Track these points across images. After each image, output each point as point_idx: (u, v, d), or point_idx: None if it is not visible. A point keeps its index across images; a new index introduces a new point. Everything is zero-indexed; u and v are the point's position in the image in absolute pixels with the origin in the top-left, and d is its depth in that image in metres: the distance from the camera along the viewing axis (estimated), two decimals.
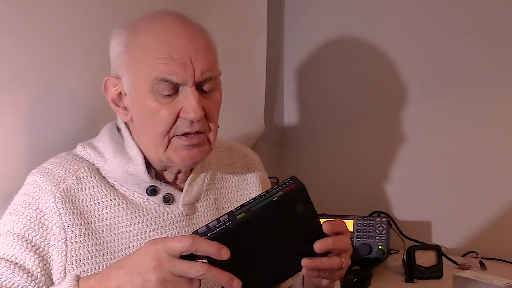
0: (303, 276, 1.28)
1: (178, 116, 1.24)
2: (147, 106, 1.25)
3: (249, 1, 2.27)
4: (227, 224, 1.00)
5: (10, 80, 1.40)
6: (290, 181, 1.05)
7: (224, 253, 1.00)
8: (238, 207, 1.03)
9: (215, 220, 1.02)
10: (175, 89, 1.23)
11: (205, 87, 1.26)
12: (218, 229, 1.00)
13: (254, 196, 1.06)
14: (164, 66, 1.21)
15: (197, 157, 1.28)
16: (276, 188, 1.04)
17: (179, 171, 1.35)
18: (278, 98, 2.64)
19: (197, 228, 1.04)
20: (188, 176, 1.37)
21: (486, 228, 2.22)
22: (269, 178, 1.61)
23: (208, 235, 1.00)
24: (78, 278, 1.10)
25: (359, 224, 2.12)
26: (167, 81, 1.21)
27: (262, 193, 1.04)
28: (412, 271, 1.98)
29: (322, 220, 1.11)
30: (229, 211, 1.03)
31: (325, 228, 1.09)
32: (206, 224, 1.02)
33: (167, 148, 1.27)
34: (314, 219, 1.10)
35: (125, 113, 1.31)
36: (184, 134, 1.26)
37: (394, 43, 2.37)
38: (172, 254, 1.00)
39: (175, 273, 1.00)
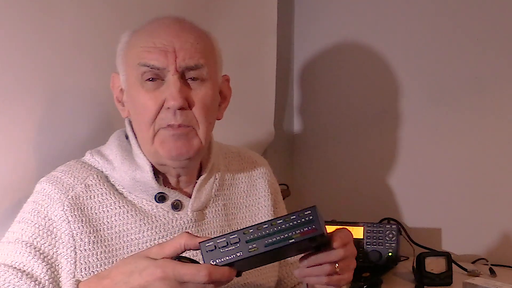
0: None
1: (162, 106, 1.25)
2: (135, 96, 1.28)
3: (259, 7, 2.27)
4: (237, 254, 1.00)
5: (19, 87, 1.40)
6: (311, 218, 1.00)
7: (233, 275, 1.02)
8: (251, 229, 1.01)
9: (224, 238, 1.00)
10: (159, 77, 1.25)
11: (190, 77, 1.26)
12: (227, 257, 1.00)
13: (268, 219, 1.03)
14: (147, 53, 1.25)
15: (183, 148, 1.27)
16: (294, 218, 1.01)
17: (179, 175, 1.35)
18: (288, 104, 2.64)
19: (206, 236, 1.04)
20: (194, 180, 1.37)
21: (496, 235, 2.21)
22: (279, 185, 1.61)
23: (217, 261, 1.00)
24: (78, 283, 1.12)
25: (369, 231, 2.12)
26: (148, 66, 1.24)
27: (279, 221, 1.01)
28: (422, 278, 1.98)
29: (329, 228, 1.09)
30: (240, 231, 1.01)
31: (336, 246, 1.08)
32: (213, 238, 1.01)
33: (154, 140, 1.27)
34: (325, 241, 1.08)
35: (123, 108, 1.35)
36: (169, 127, 1.26)
37: (404, 49, 2.37)
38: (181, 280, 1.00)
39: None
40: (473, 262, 2.20)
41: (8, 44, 1.37)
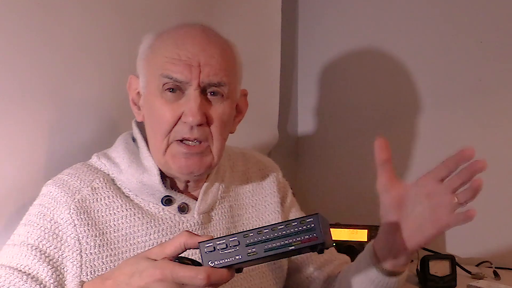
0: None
1: (179, 119, 1.25)
2: (153, 104, 1.27)
3: (263, 11, 2.27)
4: (236, 257, 0.99)
5: (24, 92, 1.41)
6: (313, 225, 0.99)
7: (231, 277, 1.01)
8: (251, 233, 1.00)
9: (223, 240, 0.99)
10: (180, 89, 1.25)
11: (211, 94, 1.26)
12: (225, 260, 0.99)
13: (270, 224, 1.02)
14: (171, 65, 1.24)
15: (194, 166, 1.27)
16: (295, 225, 0.99)
17: (188, 181, 1.35)
18: (292, 107, 2.64)
19: (206, 235, 1.03)
20: (202, 184, 1.37)
21: (500, 238, 2.20)
22: None
23: (216, 263, 0.99)
24: (82, 283, 1.12)
25: (373, 234, 2.11)
26: (171, 78, 1.23)
27: (280, 227, 0.99)
28: (426, 280, 1.97)
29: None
30: (241, 233, 1.00)
31: None
32: (213, 239, 1.00)
33: (165, 152, 1.28)
34: (328, 247, 1.06)
35: (139, 112, 1.35)
36: (183, 140, 1.26)
37: (408, 53, 2.37)
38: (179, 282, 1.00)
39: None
40: (477, 265, 2.19)
41: (14, 50, 1.37)
